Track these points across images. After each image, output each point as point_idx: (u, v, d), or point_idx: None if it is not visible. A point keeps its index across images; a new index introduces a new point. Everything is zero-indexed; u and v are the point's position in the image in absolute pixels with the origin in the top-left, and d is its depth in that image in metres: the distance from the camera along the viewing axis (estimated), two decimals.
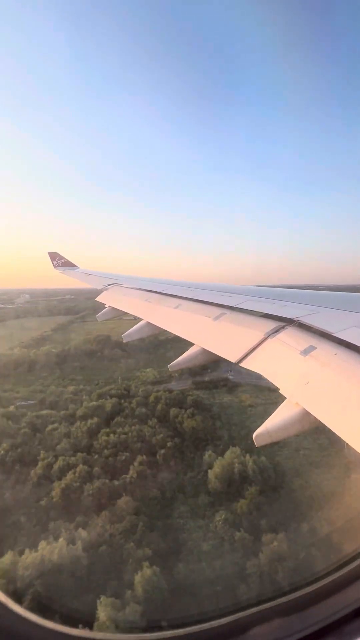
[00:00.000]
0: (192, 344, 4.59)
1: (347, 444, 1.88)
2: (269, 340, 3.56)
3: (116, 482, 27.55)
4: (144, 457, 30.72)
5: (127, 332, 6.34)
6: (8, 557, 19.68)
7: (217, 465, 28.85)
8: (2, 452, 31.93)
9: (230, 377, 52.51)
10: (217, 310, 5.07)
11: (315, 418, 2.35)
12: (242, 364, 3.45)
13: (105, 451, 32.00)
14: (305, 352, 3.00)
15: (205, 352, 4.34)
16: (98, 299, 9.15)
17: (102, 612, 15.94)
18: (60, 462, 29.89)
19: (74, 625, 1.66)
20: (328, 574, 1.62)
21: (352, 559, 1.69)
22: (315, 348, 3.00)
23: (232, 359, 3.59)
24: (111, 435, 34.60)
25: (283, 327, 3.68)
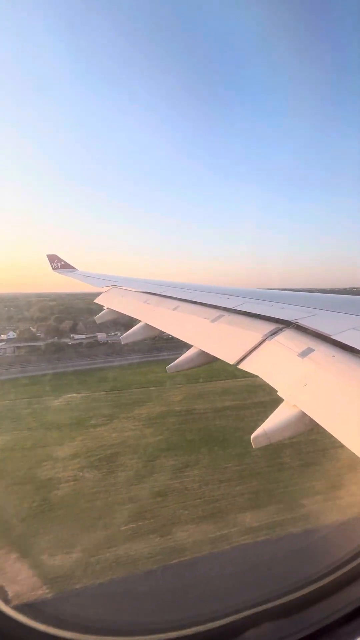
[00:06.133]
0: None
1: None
2: (267, 342, 3.56)
3: None
4: None
5: (125, 334, 6.33)
6: None
7: None
8: None
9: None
10: (215, 312, 5.07)
11: (312, 420, 2.34)
12: (240, 366, 3.45)
13: None
14: (303, 354, 3.00)
15: (203, 353, 4.34)
16: (97, 300, 9.14)
17: None
18: None
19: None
20: (324, 576, 1.61)
21: (347, 561, 1.68)
22: (313, 350, 3.00)
23: (230, 360, 3.59)
24: None
25: (281, 329, 3.68)
